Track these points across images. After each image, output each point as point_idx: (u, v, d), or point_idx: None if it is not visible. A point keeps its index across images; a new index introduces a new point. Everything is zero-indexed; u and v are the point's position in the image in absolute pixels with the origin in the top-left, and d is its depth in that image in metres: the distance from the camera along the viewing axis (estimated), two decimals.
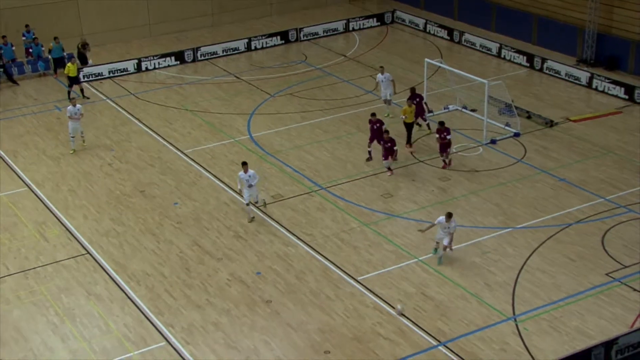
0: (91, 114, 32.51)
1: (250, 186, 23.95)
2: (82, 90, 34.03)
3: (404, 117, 28.10)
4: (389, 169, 26.81)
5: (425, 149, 28.48)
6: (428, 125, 29.64)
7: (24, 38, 36.43)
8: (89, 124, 31.55)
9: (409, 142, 28.44)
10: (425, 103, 29.96)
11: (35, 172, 27.97)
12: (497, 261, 22.14)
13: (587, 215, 24.20)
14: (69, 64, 33.23)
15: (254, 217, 24.50)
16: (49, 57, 35.97)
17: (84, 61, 36.42)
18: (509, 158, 27.86)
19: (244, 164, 24.12)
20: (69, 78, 33.24)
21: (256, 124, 30.98)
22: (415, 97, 29.02)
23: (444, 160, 27.09)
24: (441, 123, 26.79)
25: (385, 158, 26.60)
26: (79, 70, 34.10)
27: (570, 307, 20.20)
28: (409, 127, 28.40)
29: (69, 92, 33.39)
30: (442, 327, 19.56)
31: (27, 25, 36.63)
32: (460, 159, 27.78)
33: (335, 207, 25.15)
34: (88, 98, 33.93)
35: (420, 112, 29.03)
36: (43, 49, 36.22)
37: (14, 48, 35.81)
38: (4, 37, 35.94)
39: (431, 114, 30.32)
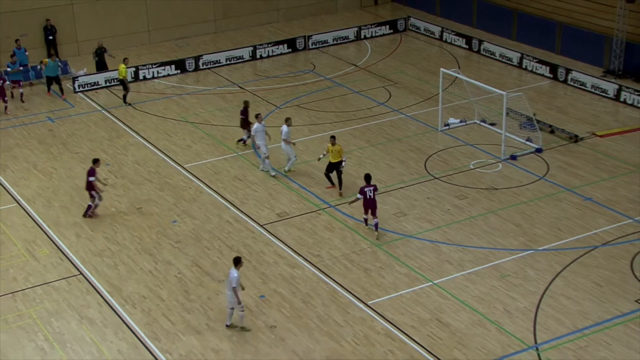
0: (85, 125, 32.65)
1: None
2: (125, 96, 34.66)
3: (324, 155, 26.99)
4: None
5: (441, 165, 28.47)
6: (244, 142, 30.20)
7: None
8: (83, 136, 31.69)
9: (332, 182, 27.19)
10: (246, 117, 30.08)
11: (25, 187, 28.03)
12: (517, 285, 22.06)
13: (614, 237, 24.12)
14: (121, 65, 34.07)
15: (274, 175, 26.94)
16: (43, 74, 35.64)
17: (103, 67, 36.62)
18: (531, 175, 27.81)
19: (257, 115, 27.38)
20: (120, 81, 34.33)
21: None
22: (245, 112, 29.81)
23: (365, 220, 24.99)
24: (367, 177, 24.62)
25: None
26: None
27: (597, 336, 20.08)
28: (332, 167, 26.78)
29: (124, 97, 34.48)
30: (459, 356, 19.47)
31: (17, 40, 36.43)
32: (478, 176, 27.75)
33: (345, 226, 25.12)
34: (129, 104, 34.50)
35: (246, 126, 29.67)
36: (27, 54, 36.14)
37: (27, 53, 35.86)
38: (17, 40, 36.12)
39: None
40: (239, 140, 30.36)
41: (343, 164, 26.47)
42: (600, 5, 36.94)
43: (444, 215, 25.51)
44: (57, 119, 33.46)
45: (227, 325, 20.61)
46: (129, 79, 35.20)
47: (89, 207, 25.93)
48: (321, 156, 27.19)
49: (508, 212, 25.64)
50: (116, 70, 35.81)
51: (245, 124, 29.77)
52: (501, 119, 29.52)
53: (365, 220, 24.88)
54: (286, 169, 28.15)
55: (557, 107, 33.27)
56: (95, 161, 26.01)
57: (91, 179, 25.62)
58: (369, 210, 24.50)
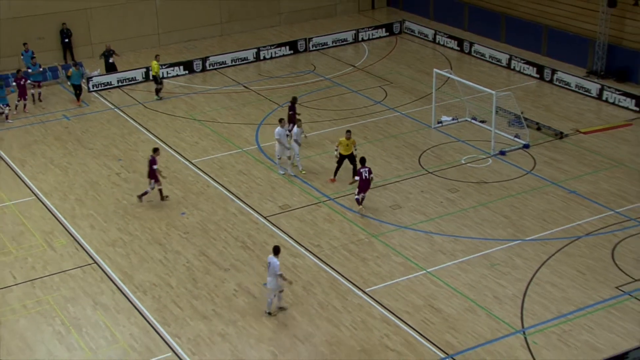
0: (99, 123, 32.67)
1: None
2: (157, 91, 34.88)
3: (337, 150, 26.98)
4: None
5: (434, 160, 28.48)
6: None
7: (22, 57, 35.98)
8: (97, 133, 31.71)
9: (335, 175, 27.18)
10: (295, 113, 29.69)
11: (43, 181, 28.06)
12: (506, 274, 22.09)
13: (597, 228, 24.14)
14: (153, 61, 34.39)
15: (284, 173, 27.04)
16: (69, 83, 35.03)
17: (112, 68, 36.59)
18: (519, 170, 27.83)
19: (281, 120, 27.04)
20: (153, 76, 34.68)
21: (264, 134, 31.01)
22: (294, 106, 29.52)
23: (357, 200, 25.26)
24: (362, 160, 25.30)
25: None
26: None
27: (580, 321, 20.12)
28: (343, 159, 26.81)
29: (157, 90, 34.82)
30: (451, 340, 19.51)
31: (25, 44, 36.28)
32: (469, 171, 27.76)
33: (343, 218, 25.14)
34: (161, 99, 34.74)
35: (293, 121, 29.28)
36: (34, 56, 35.73)
37: (34, 57, 35.79)
38: (25, 44, 36.08)
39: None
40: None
41: (354, 153, 26.56)
42: (583, 10, 36.90)
43: (437, 208, 25.53)
44: (73, 117, 33.46)
45: (268, 313, 20.53)
46: (160, 74, 35.26)
47: (145, 192, 26.08)
48: (335, 152, 27.13)
49: (497, 204, 25.66)
50: (126, 71, 35.95)
51: (293, 120, 29.24)
52: (491, 117, 29.51)
53: (358, 200, 25.13)
54: (300, 168, 27.84)
55: (544, 106, 33.25)
56: (155, 150, 26.01)
57: (154, 167, 25.68)
58: (362, 192, 24.96)
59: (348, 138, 26.47)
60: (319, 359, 19.07)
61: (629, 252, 22.86)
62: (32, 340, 20.00)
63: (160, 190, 26.16)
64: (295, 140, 27.52)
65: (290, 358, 19.12)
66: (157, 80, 34.83)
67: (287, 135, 27.56)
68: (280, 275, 20.04)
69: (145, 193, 26.10)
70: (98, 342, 19.86)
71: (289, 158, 27.70)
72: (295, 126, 27.77)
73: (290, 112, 29.57)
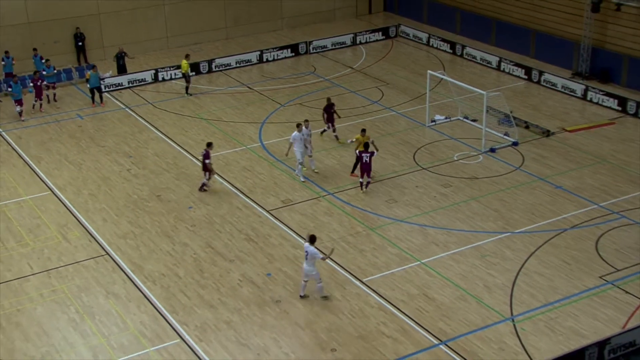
0: (111, 121, 32.63)
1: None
2: (187, 88, 35.15)
3: (352, 141, 27.16)
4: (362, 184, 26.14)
5: (428, 157, 28.45)
6: (336, 137, 29.58)
7: (3, 63, 35.30)
8: (108, 131, 31.67)
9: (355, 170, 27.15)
10: (334, 112, 29.52)
11: (58, 177, 28.02)
12: (496, 264, 22.07)
13: (581, 221, 24.12)
14: (183, 60, 34.75)
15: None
16: (88, 86, 34.61)
17: (123, 70, 36.51)
18: (508, 166, 27.80)
19: (298, 125, 26.59)
20: (182, 74, 34.93)
21: (267, 132, 30.98)
22: (330, 108, 29.18)
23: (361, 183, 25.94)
24: (366, 145, 25.67)
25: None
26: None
27: (566, 309, 20.12)
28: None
29: (186, 88, 35.09)
30: (443, 327, 19.50)
31: (34, 49, 36.07)
32: (461, 167, 27.73)
33: (342, 211, 25.12)
34: (191, 95, 34.98)
35: (332, 121, 29.24)
36: (14, 63, 35.35)
37: (43, 60, 35.62)
38: (34, 49, 36.00)
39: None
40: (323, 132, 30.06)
41: (370, 147, 26.39)
42: (569, 15, 36.84)
43: (431, 202, 25.50)
44: (86, 116, 33.41)
45: (300, 296, 20.61)
46: (190, 72, 35.41)
47: (203, 183, 26.30)
48: (349, 141, 27.53)
49: (488, 199, 25.64)
50: (136, 72, 35.98)
51: (331, 120, 29.17)
52: (482, 116, 29.47)
53: (361, 184, 25.65)
54: (313, 168, 27.55)
55: (531, 105, 33.20)
56: (209, 144, 26.17)
57: (207, 161, 25.83)
58: (364, 174, 25.49)
59: (363, 135, 26.52)
60: (319, 345, 19.06)
61: (611, 244, 22.84)
62: (49, 326, 20.01)
63: (203, 183, 26.39)
64: (306, 140, 26.98)
65: (291, 344, 19.12)
66: (187, 78, 34.96)
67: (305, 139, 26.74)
68: (322, 259, 20.26)
69: (204, 184, 26.35)
70: (110, 329, 19.86)
71: (310, 156, 27.19)
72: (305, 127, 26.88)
73: (329, 112, 29.21)
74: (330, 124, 29.49)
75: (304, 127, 26.70)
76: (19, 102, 32.72)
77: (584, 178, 26.81)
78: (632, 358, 18.36)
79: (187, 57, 35.15)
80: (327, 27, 44.15)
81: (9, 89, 33.08)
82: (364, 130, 26.86)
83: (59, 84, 36.06)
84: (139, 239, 23.98)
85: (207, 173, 26.32)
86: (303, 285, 20.61)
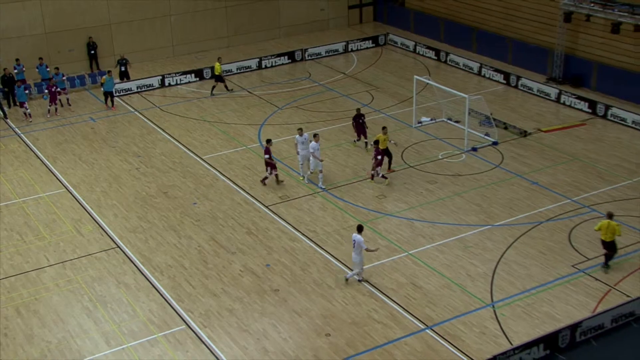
0: (121, 124, 32.50)
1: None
2: (226, 86, 35.45)
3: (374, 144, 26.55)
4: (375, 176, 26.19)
5: (414, 156, 28.39)
6: (366, 144, 28.81)
7: (15, 71, 34.76)
8: (119, 132, 31.55)
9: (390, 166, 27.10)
10: (363, 122, 28.83)
11: (72, 176, 27.91)
12: (478, 255, 22.05)
13: (556, 214, 24.11)
14: (216, 63, 35.15)
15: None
16: (102, 90, 34.42)
17: (125, 76, 36.32)
18: (488, 164, 27.76)
19: (300, 129, 26.26)
20: (215, 75, 35.41)
21: (266, 133, 30.87)
22: (358, 117, 28.63)
23: (373, 174, 26.13)
24: (376, 142, 26.00)
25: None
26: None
27: (541, 295, 20.11)
28: (385, 152, 26.43)
29: (213, 87, 35.40)
30: (430, 313, 19.47)
31: (40, 58, 35.70)
32: (445, 165, 27.69)
33: (336, 207, 25.05)
34: (232, 90, 35.35)
35: (362, 131, 28.70)
36: (24, 70, 34.89)
37: (48, 69, 35.43)
38: (40, 58, 35.76)
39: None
40: (356, 140, 29.31)
41: (392, 141, 26.57)
42: (543, 25, 36.82)
43: (418, 197, 25.45)
44: (98, 119, 33.28)
45: (359, 280, 20.63)
46: (223, 73, 35.71)
47: (265, 177, 26.19)
48: (392, 142, 26.81)
49: (470, 194, 25.60)
50: (144, 78, 35.85)
51: (361, 130, 28.57)
52: (464, 118, 29.43)
53: (372, 174, 26.07)
54: (321, 183, 26.15)
55: (510, 108, 33.16)
56: (269, 141, 25.91)
57: (266, 157, 25.68)
58: (379, 166, 25.97)
59: (384, 134, 26.28)
60: (315, 330, 19.01)
61: (583, 235, 22.83)
62: (64, 314, 19.92)
63: (276, 176, 26.16)
64: (313, 154, 25.75)
65: (289, 329, 19.07)
66: (221, 78, 35.24)
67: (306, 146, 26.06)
68: (367, 249, 20.22)
69: (266, 178, 26.24)
70: (121, 316, 19.79)
71: (321, 171, 25.93)
72: (314, 141, 25.75)
73: (360, 121, 28.50)
74: (360, 134, 28.87)
75: (305, 134, 26.11)
76: (22, 104, 32.69)
77: (557, 175, 26.79)
78: (600, 339, 18.42)
79: (219, 60, 35.52)
80: (322, 36, 44.05)
81: (44, 94, 33.30)
82: (384, 128, 26.56)
83: (73, 89, 35.93)
84: (148, 232, 23.89)
85: (269, 168, 25.93)
86: (354, 273, 20.55)
